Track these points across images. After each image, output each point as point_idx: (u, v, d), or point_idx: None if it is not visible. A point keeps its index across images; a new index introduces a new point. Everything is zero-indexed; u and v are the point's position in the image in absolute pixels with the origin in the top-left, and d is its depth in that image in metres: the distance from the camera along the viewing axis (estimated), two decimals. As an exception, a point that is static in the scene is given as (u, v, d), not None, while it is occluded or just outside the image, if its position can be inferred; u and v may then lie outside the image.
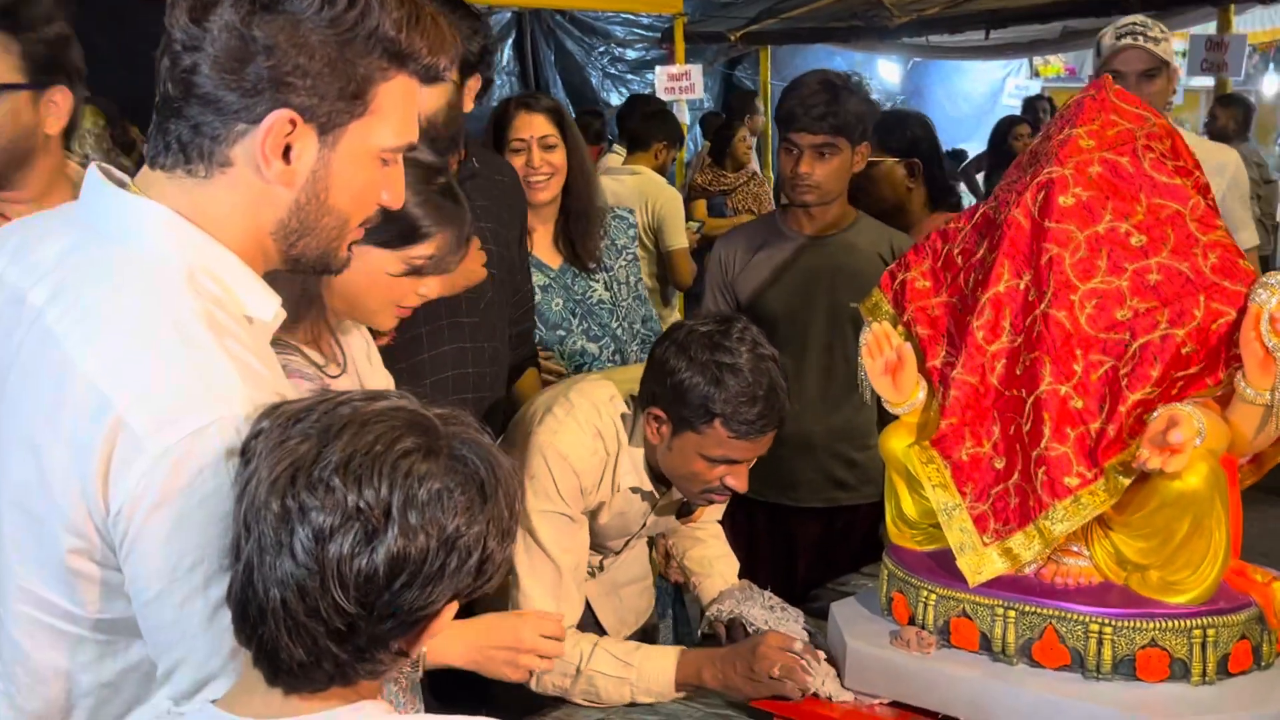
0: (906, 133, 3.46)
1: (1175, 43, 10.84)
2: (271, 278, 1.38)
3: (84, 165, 5.61)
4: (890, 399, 2.14)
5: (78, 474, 1.19)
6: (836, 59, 11.49)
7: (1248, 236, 3.38)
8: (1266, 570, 1.97)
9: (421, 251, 1.81)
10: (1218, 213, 1.98)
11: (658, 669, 2.19)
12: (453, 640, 2.00)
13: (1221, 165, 3.40)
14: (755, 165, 7.55)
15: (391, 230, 1.72)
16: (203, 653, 1.22)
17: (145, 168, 1.32)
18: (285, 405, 1.16)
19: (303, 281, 1.74)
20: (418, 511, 1.09)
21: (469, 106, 2.49)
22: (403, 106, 1.34)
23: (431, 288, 1.90)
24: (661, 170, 5.72)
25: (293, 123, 1.26)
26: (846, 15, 8.49)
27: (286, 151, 1.28)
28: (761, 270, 3.03)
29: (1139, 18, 3.35)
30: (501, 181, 2.71)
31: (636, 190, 5.01)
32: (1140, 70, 3.25)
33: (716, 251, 3.20)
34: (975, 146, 9.78)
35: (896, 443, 2.12)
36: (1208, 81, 8.97)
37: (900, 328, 2.18)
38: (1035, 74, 12.95)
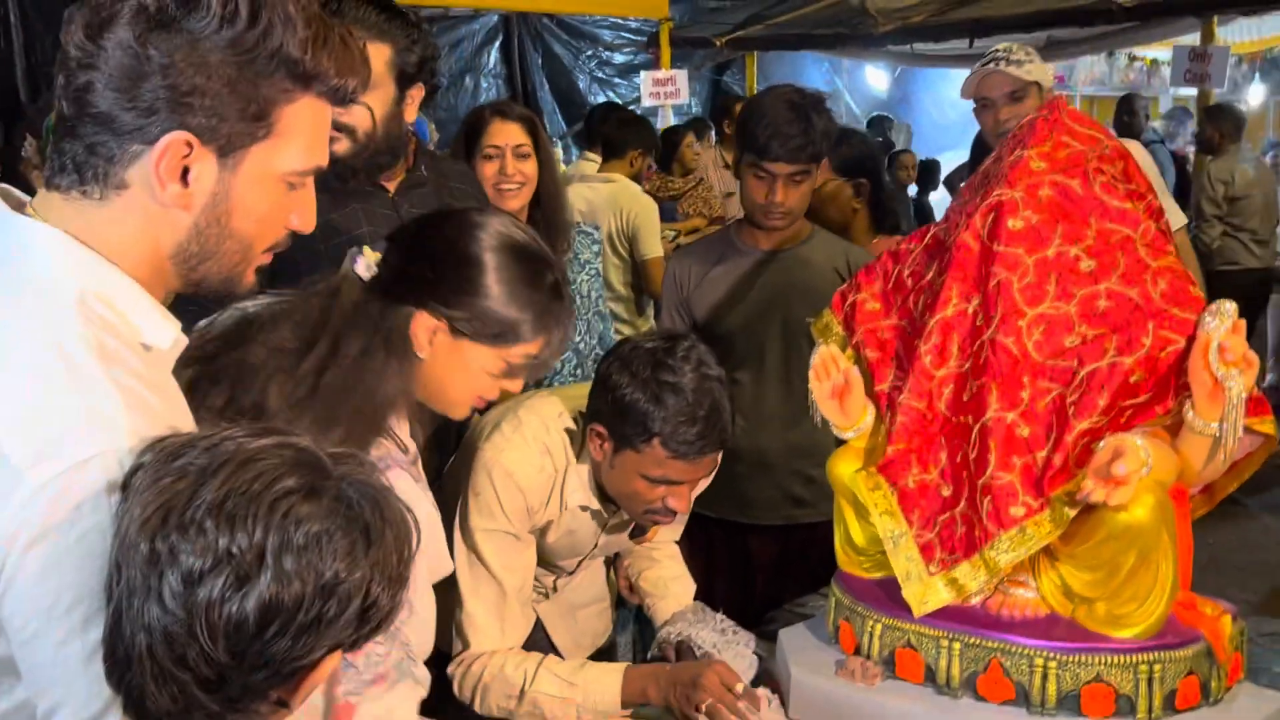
0: (853, 151, 3.43)
1: (1159, 52, 10.85)
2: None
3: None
4: (837, 423, 2.10)
5: None
6: (824, 65, 11.49)
7: (1174, 219, 3.28)
8: (1216, 603, 1.92)
9: (524, 351, 1.73)
10: (1169, 238, 1.95)
11: (603, 687, 2.15)
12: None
13: None
14: (711, 171, 7.52)
15: (495, 329, 1.67)
16: (82, 696, 1.17)
17: (42, 189, 1.28)
18: (168, 439, 1.12)
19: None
20: (294, 556, 1.04)
21: (411, 116, 2.44)
22: (310, 128, 1.30)
23: (517, 383, 1.83)
24: (636, 178, 5.67)
25: (189, 144, 1.22)
26: (832, 22, 8.45)
27: (185, 174, 1.23)
28: (718, 286, 2.98)
29: (1003, 45, 3.41)
30: (456, 189, 2.65)
31: (611, 198, 4.96)
32: (1006, 93, 3.31)
33: (671, 268, 3.15)
34: (960, 154, 9.75)
35: (844, 468, 2.08)
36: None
37: (850, 350, 2.14)
38: (1024, 81, 12.94)
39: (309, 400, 1.54)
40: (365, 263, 1.65)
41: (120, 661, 1.06)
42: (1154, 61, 11.68)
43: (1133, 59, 11.86)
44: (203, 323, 1.78)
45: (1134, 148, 3.34)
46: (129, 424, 1.16)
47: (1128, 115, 7.69)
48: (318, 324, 1.58)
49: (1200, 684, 1.85)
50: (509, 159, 2.96)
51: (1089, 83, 12.52)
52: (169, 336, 1.29)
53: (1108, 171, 1.96)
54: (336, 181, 2.34)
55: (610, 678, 2.16)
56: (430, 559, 1.67)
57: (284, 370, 1.54)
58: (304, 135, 1.29)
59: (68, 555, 1.13)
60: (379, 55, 2.29)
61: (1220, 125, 6.79)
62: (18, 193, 1.29)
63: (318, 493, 1.07)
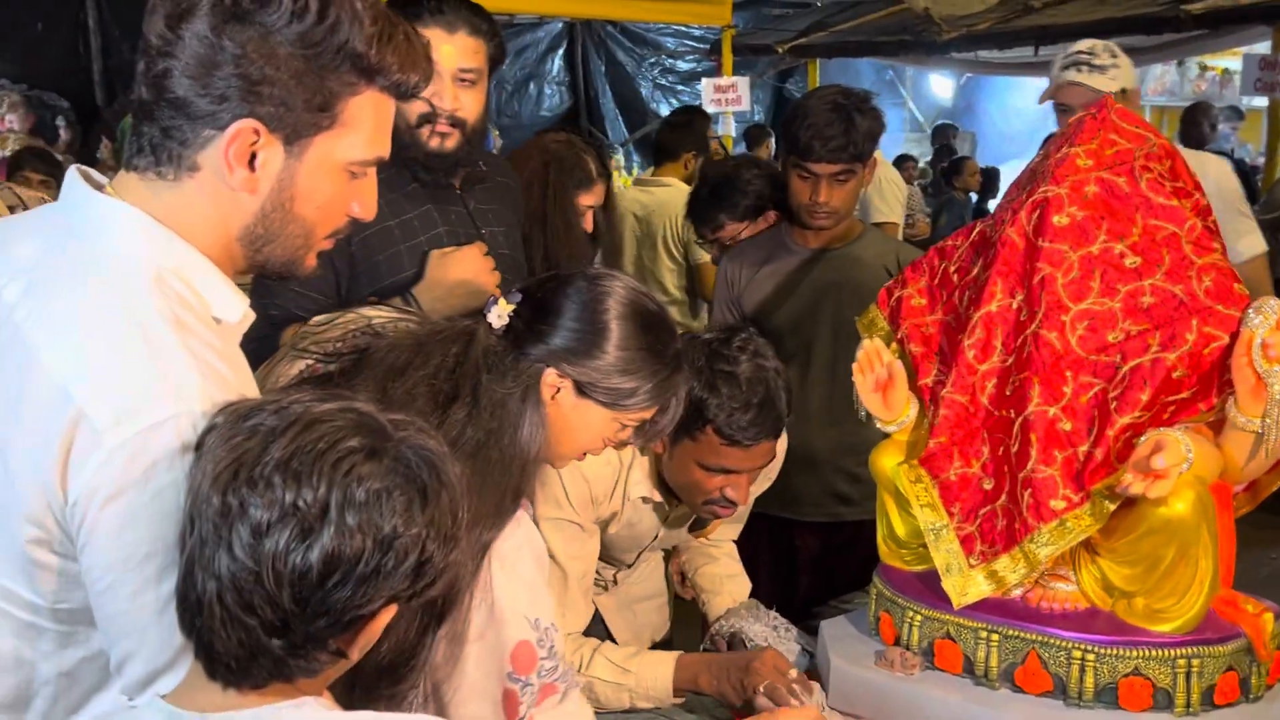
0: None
1: (1230, 61, 10.65)
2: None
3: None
4: (880, 416, 2.12)
5: (38, 465, 1.21)
6: (887, 72, 11.46)
7: (1251, 243, 3.22)
8: (1259, 601, 1.92)
9: (640, 416, 1.76)
10: (1216, 235, 1.95)
11: (656, 675, 2.20)
12: None
13: (1201, 175, 3.28)
14: None
15: (616, 393, 1.70)
16: (154, 646, 1.24)
17: (122, 170, 1.35)
18: (240, 403, 1.18)
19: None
20: (355, 511, 1.10)
21: None
22: (373, 121, 1.36)
23: (626, 436, 1.85)
24: (689, 180, 5.72)
25: (257, 132, 1.29)
26: (895, 29, 8.44)
27: (253, 160, 1.30)
28: (767, 285, 3.01)
29: (1085, 45, 3.22)
30: (506, 184, 2.72)
31: (665, 202, 5.01)
32: (1085, 104, 3.13)
33: (723, 266, 3.19)
34: (1025, 162, 9.69)
35: (886, 461, 2.11)
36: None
37: (894, 344, 2.17)
38: (1092, 91, 12.79)
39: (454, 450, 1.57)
40: (498, 311, 1.68)
41: (191, 606, 1.12)
42: (1225, 71, 11.52)
43: (1204, 68, 11.70)
44: (321, 319, 1.85)
45: (1216, 165, 3.29)
46: (202, 390, 1.23)
47: (1195, 124, 7.61)
48: (455, 369, 1.60)
49: (1240, 680, 1.85)
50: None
51: (1159, 92, 12.37)
52: (238, 311, 1.37)
53: (1154, 169, 1.97)
54: (445, 178, 2.44)
55: (663, 666, 2.20)
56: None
57: (424, 414, 1.55)
58: (367, 127, 1.35)
59: (143, 511, 1.20)
60: (480, 52, 2.40)
61: None
62: (96, 174, 1.37)
63: (378, 453, 1.13)
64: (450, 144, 2.39)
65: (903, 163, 9.29)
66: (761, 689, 2.07)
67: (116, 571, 1.22)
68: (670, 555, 2.71)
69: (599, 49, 11.23)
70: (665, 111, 10.72)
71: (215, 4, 1.26)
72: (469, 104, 2.40)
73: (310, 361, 1.71)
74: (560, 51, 11.23)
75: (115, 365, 1.23)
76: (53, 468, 1.21)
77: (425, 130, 2.37)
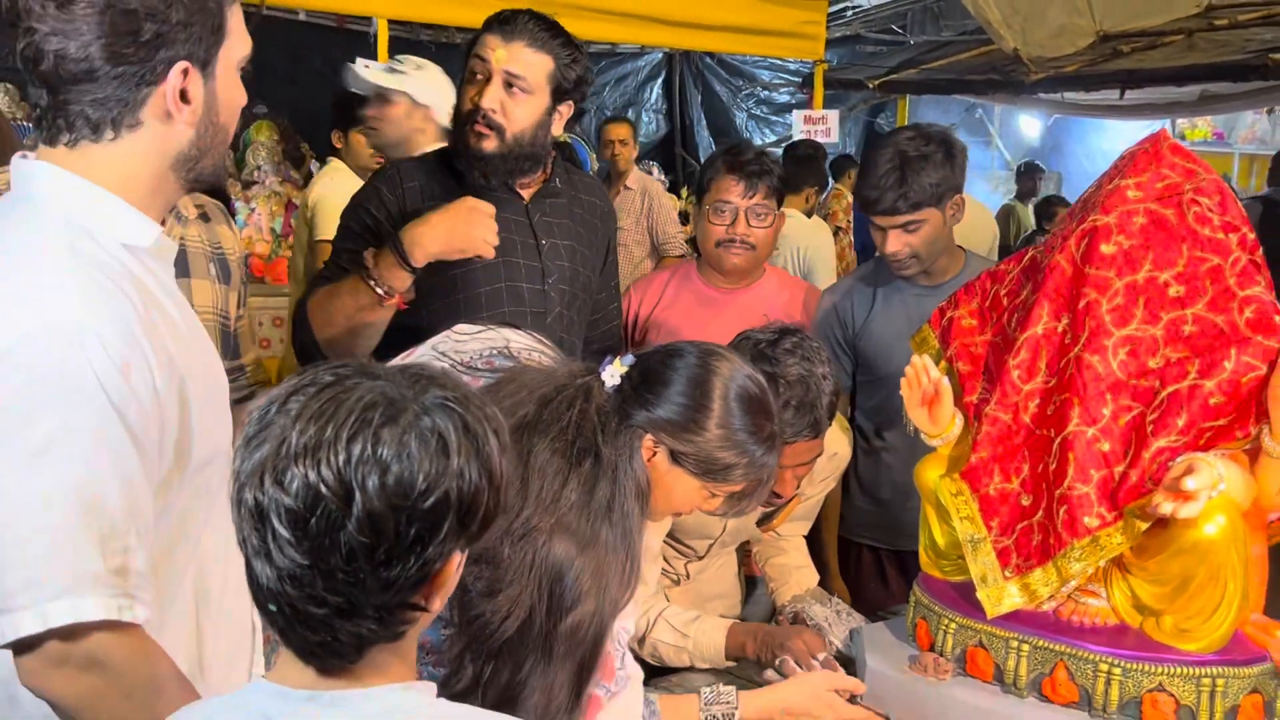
0: None
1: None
2: None
3: (254, 177, 5.66)
4: (926, 430, 2.14)
5: None
6: (976, 110, 11.36)
7: None
8: (1290, 627, 1.90)
9: (730, 490, 1.78)
10: (1261, 269, 1.94)
11: (710, 640, 2.32)
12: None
13: None
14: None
15: (710, 466, 1.70)
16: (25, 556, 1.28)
17: (43, 147, 1.43)
18: (274, 390, 1.13)
19: None
20: (379, 475, 1.04)
21: (558, 130, 2.55)
22: (240, 21, 1.47)
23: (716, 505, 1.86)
24: (809, 213, 5.76)
25: (185, 72, 1.39)
26: (984, 68, 8.37)
27: (184, 94, 1.40)
28: (879, 323, 2.90)
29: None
30: (590, 203, 2.76)
31: (787, 233, 5.05)
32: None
33: (828, 305, 3.00)
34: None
35: (930, 473, 2.13)
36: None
37: (943, 362, 2.19)
38: (1181, 137, 12.57)
39: (584, 509, 1.56)
40: (612, 371, 1.69)
41: (267, 606, 1.09)
42: (1316, 120, 11.23)
43: (1295, 117, 11.41)
44: (465, 328, 1.87)
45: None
46: (80, 304, 1.31)
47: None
48: (580, 425, 1.61)
49: (1265, 703, 1.83)
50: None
51: (1249, 141, 12.07)
52: (149, 236, 1.45)
53: (1203, 204, 1.97)
54: (481, 180, 2.49)
55: (717, 632, 2.32)
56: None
57: (561, 474, 1.57)
58: (239, 27, 1.46)
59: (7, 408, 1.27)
60: (541, 66, 2.45)
61: None
62: (29, 155, 1.46)
63: (396, 416, 1.07)
64: (487, 145, 2.44)
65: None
66: (776, 663, 2.17)
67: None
68: (743, 553, 2.78)
69: (696, 79, 11.28)
70: (758, 141, 10.76)
71: None
72: (514, 113, 2.43)
73: (446, 366, 1.76)
74: (659, 80, 11.29)
75: (5, 288, 1.31)
76: None
77: (468, 126, 2.45)
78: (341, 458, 1.04)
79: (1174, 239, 1.95)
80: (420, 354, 1.99)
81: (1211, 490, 1.74)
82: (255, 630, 1.63)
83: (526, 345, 1.85)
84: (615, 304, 2.90)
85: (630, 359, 1.72)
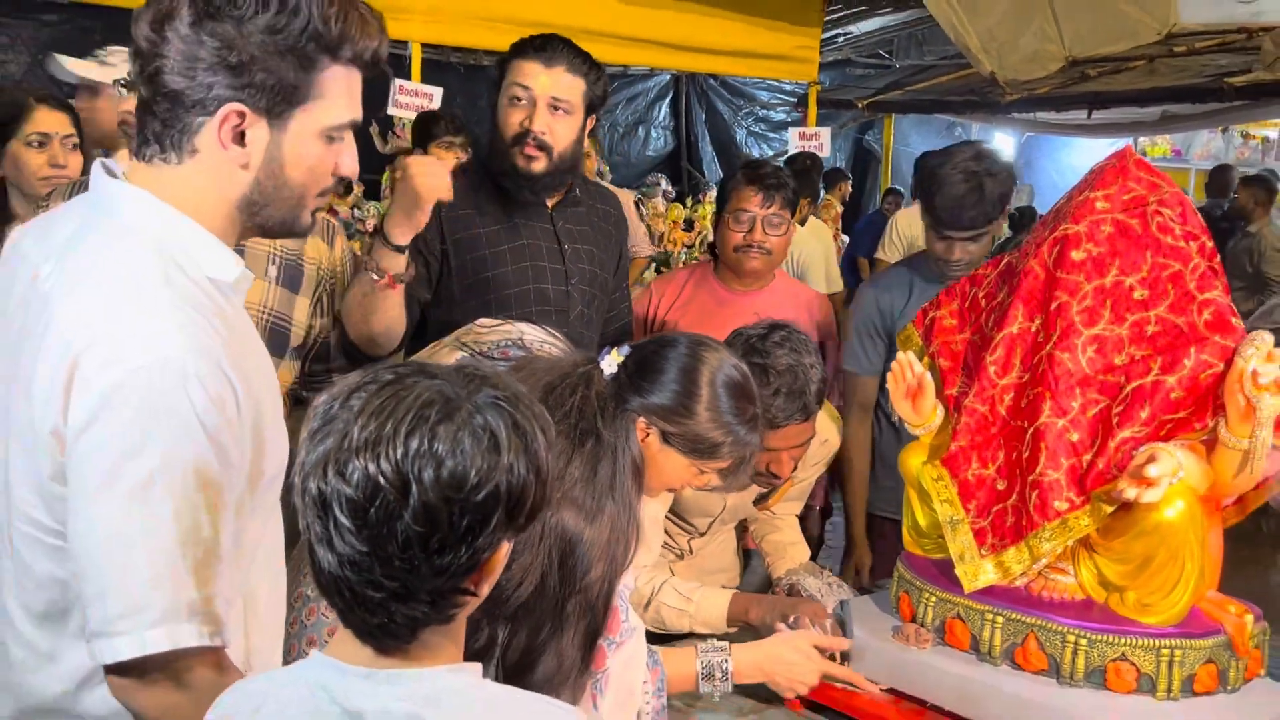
0: None
1: (1269, 131, 10.33)
2: None
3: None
4: (909, 420, 2.13)
5: (49, 406, 1.26)
6: (955, 129, 11.32)
7: None
8: (1242, 604, 1.89)
9: (717, 466, 1.80)
10: (1219, 275, 1.92)
11: (713, 605, 2.29)
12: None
13: None
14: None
15: (698, 444, 1.73)
16: (123, 582, 1.24)
17: (132, 161, 1.39)
18: (336, 386, 1.11)
19: None
20: (434, 477, 1.02)
21: (584, 142, 2.57)
22: (342, 90, 1.37)
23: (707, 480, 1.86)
24: (801, 222, 5.76)
25: (241, 114, 1.32)
26: (963, 90, 8.34)
27: (242, 137, 1.33)
28: (913, 313, 2.82)
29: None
30: (606, 211, 2.76)
31: None
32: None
33: (869, 297, 3.04)
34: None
35: (913, 460, 2.11)
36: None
37: (926, 358, 2.17)
38: (1143, 153, 12.53)
39: (589, 485, 1.56)
40: (610, 360, 1.70)
41: (328, 589, 1.08)
42: (1265, 139, 11.18)
43: (1246, 136, 11.36)
44: (486, 322, 1.89)
45: None
46: (179, 341, 1.26)
47: (1217, 185, 7.46)
48: (583, 411, 1.60)
49: (1219, 672, 1.82)
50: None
51: (1205, 157, 12.04)
52: (232, 272, 1.39)
53: (1165, 214, 1.95)
54: (530, 194, 2.50)
55: (720, 598, 2.30)
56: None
57: (565, 454, 1.56)
58: (338, 96, 1.37)
59: (112, 442, 1.23)
60: (577, 88, 2.46)
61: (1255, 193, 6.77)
62: (114, 164, 1.41)
63: (452, 412, 1.05)
64: (537, 166, 2.45)
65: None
66: (791, 620, 2.15)
67: (81, 499, 1.24)
68: (741, 531, 2.77)
69: (700, 99, 11.25)
70: (757, 155, 10.72)
71: (192, 3, 1.29)
72: (560, 132, 2.45)
73: (466, 355, 1.76)
74: (667, 100, 11.26)
75: (106, 319, 1.26)
76: (59, 409, 1.25)
77: (517, 149, 2.43)
78: (400, 452, 1.02)
79: (1139, 246, 1.93)
80: (445, 344, 2.00)
81: (1172, 477, 1.73)
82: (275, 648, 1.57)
83: (539, 338, 1.86)
84: (626, 303, 2.90)
85: (626, 349, 1.73)
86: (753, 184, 2.92)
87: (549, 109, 2.43)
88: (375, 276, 2.14)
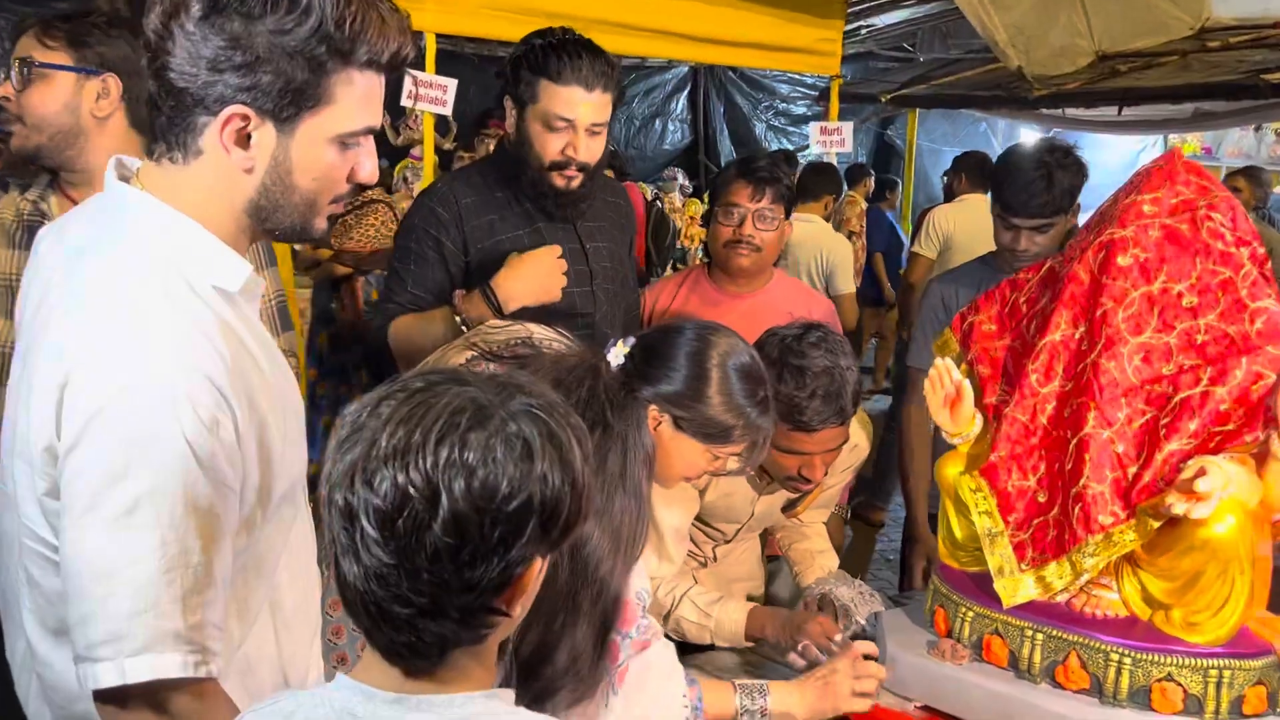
0: None
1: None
2: None
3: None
4: (947, 429, 2.10)
5: (43, 420, 1.24)
6: (981, 124, 11.25)
7: None
8: (1293, 623, 1.86)
9: (730, 450, 1.79)
10: (1271, 282, 1.89)
11: (731, 620, 2.30)
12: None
13: None
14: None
15: (710, 429, 1.74)
16: (111, 602, 1.22)
17: (147, 162, 1.35)
18: (365, 396, 1.08)
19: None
20: (466, 479, 0.99)
21: None
22: (356, 95, 1.31)
23: (721, 467, 1.85)
24: (826, 219, 5.76)
25: (245, 117, 1.27)
26: (990, 85, 8.27)
27: (247, 140, 1.28)
28: None
29: None
30: (616, 204, 2.75)
31: (809, 237, 4.99)
32: None
33: (935, 292, 3.08)
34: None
35: (950, 469, 2.09)
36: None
37: (964, 365, 2.14)
38: (1172, 150, 12.39)
39: (598, 476, 1.54)
40: (617, 351, 1.71)
41: (354, 606, 1.05)
42: (1300, 137, 11.08)
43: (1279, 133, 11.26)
44: (495, 323, 1.92)
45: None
46: (175, 359, 1.22)
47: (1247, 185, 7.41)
48: (590, 401, 1.61)
49: (1269, 694, 1.79)
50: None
51: (1236, 155, 11.92)
52: (238, 280, 1.34)
53: (1216, 219, 1.91)
54: (561, 207, 2.49)
55: (738, 613, 2.30)
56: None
57: None
58: (351, 101, 1.30)
59: (97, 461, 1.20)
60: (608, 105, 2.44)
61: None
62: (129, 162, 1.38)
63: (484, 420, 1.02)
64: (575, 185, 2.45)
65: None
66: (800, 648, 2.15)
67: (68, 521, 1.21)
68: (766, 538, 2.76)
69: (719, 92, 11.21)
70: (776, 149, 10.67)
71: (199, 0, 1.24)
72: (595, 149, 2.44)
73: (476, 354, 1.77)
74: (685, 92, 11.22)
75: (99, 338, 1.23)
76: (52, 427, 1.22)
77: (555, 173, 2.42)
78: (429, 461, 0.99)
79: (1188, 252, 1.90)
80: (454, 345, 2.01)
81: (1222, 492, 1.70)
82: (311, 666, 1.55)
83: (546, 336, 1.86)
84: (635, 295, 2.91)
85: (631, 340, 1.75)
86: (743, 177, 2.88)
87: (588, 134, 2.41)
88: (466, 329, 2.21)
